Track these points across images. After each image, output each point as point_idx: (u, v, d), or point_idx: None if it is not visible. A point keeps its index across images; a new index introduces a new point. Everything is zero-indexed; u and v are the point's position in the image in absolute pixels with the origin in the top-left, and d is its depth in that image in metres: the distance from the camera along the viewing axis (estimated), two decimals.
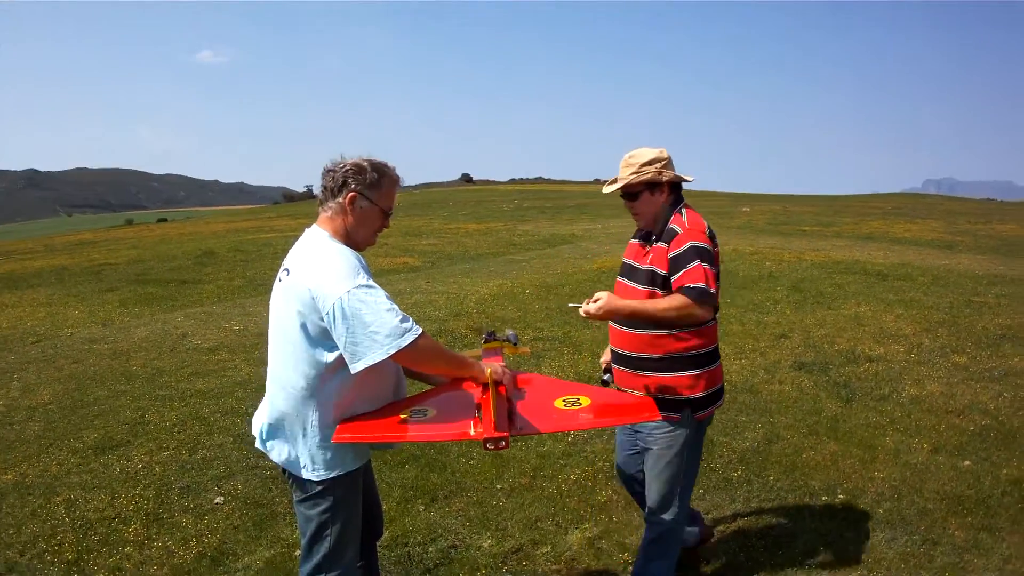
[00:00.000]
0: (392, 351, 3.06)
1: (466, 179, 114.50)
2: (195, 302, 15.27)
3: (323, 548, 3.41)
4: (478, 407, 3.18)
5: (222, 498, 6.02)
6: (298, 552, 4.82)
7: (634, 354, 4.07)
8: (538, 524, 5.53)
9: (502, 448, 2.96)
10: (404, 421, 3.26)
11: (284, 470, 3.45)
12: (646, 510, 4.33)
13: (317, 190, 3.49)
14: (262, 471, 6.40)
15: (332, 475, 3.35)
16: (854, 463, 6.51)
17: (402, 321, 3.09)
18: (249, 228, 34.09)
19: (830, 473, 6.32)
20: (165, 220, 71.18)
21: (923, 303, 13.01)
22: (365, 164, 3.38)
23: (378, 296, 3.11)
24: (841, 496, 5.90)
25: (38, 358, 10.83)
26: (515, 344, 4.24)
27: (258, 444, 3.52)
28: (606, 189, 4.25)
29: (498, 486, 6.12)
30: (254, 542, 5.26)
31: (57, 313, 14.55)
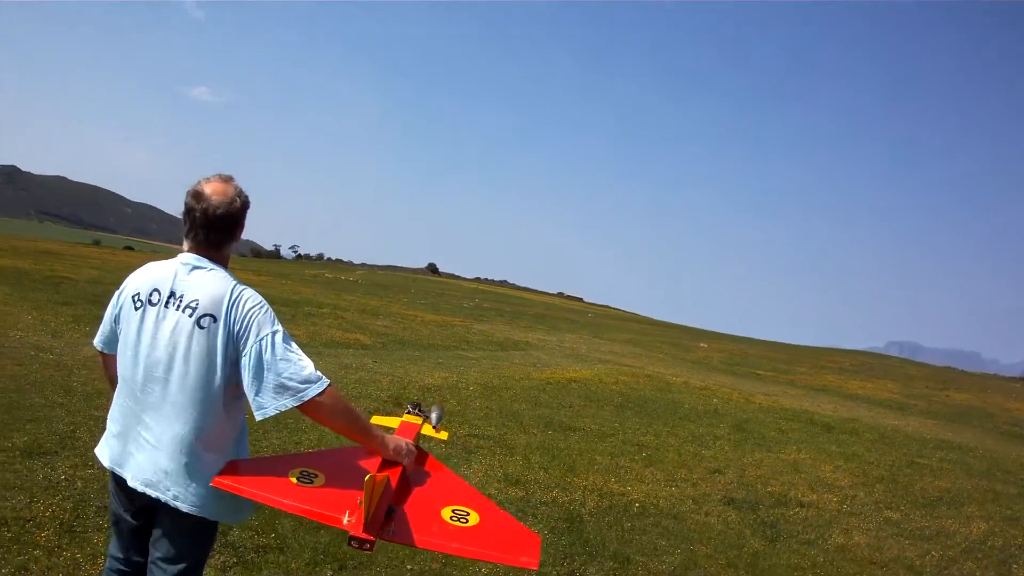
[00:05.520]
0: (304, 399, 3.17)
1: (432, 269, 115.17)
2: None
3: None
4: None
5: None
6: None
7: None
8: None
9: (366, 550, 2.99)
10: (292, 480, 3.28)
11: (157, 501, 3.36)
12: None
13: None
14: None
15: (234, 517, 3.46)
16: None
17: (313, 370, 3.23)
18: None
19: None
20: (131, 248, 70.32)
21: (865, 458, 13.24)
22: (241, 197, 3.44)
23: (293, 344, 3.27)
24: None
25: None
26: (435, 426, 4.29)
27: (129, 473, 3.39)
28: None
29: (408, 566, 6.16)
30: None
31: (9, 315, 14.64)
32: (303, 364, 3.21)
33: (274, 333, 3.22)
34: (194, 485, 3.31)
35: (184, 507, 3.30)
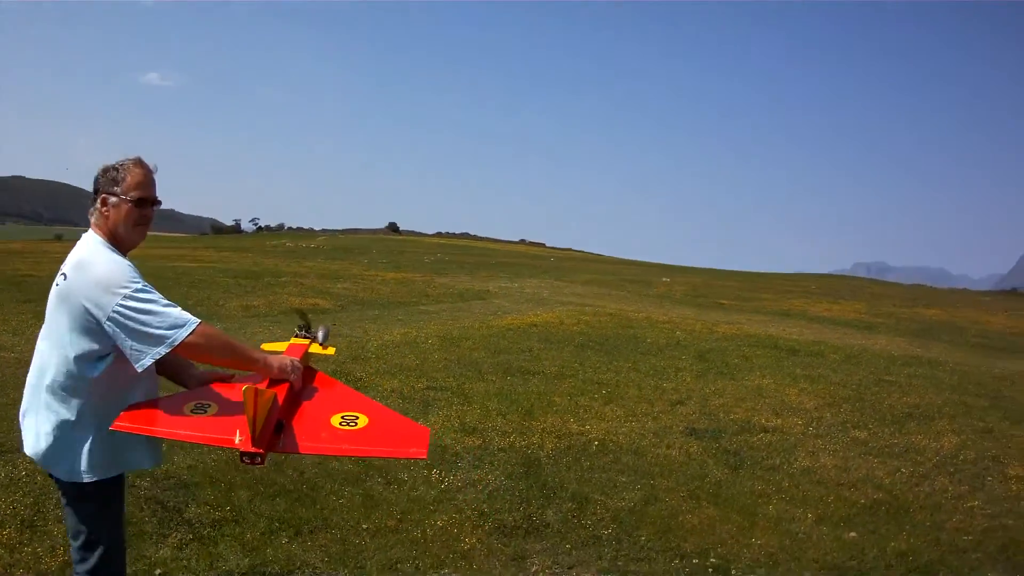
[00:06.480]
0: (175, 342, 3.34)
1: (392, 228, 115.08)
2: None
3: (98, 551, 3.57)
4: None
5: None
6: (159, 571, 5.32)
7: None
8: (397, 566, 5.71)
9: (258, 464, 3.21)
10: (187, 413, 3.45)
11: (53, 475, 3.60)
12: None
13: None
14: (137, 490, 6.41)
15: (108, 476, 3.54)
16: (732, 528, 6.62)
17: (179, 314, 3.40)
18: (172, 255, 34.01)
19: (705, 537, 6.42)
20: None
21: (830, 379, 13.26)
22: (110, 164, 3.65)
23: (152, 295, 3.42)
24: (713, 560, 6.00)
25: None
26: (321, 343, 4.45)
27: (28, 450, 3.61)
28: None
29: (364, 526, 6.28)
30: None
31: None
32: (168, 311, 3.37)
33: (134, 289, 3.37)
34: (55, 446, 3.51)
35: (53, 471, 3.56)
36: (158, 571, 5.26)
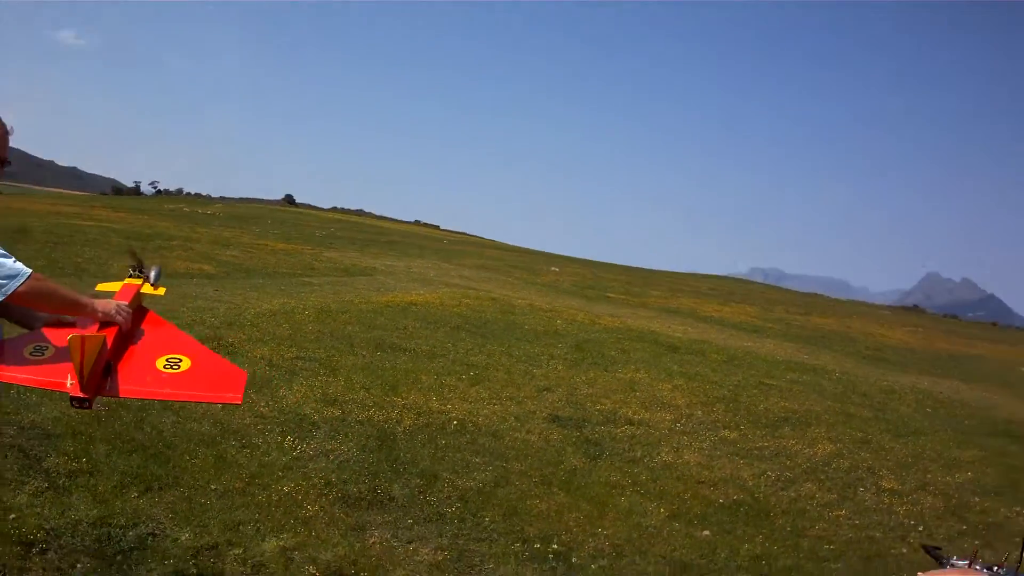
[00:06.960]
0: (7, 292, 3.47)
1: (289, 200, 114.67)
2: None
3: None
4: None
5: None
6: (12, 516, 5.39)
7: None
8: (239, 527, 5.80)
9: (86, 408, 3.40)
10: (27, 356, 3.61)
11: None
12: None
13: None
14: (3, 437, 6.45)
15: None
16: (579, 517, 6.63)
17: (13, 265, 3.52)
18: (70, 213, 33.60)
19: (551, 523, 6.43)
20: None
21: (708, 378, 13.39)
22: None
23: None
24: (555, 546, 6.00)
25: None
26: (153, 284, 4.53)
27: None
28: None
29: (213, 486, 6.37)
30: None
31: None
32: (3, 262, 3.51)
33: None
34: None
35: None
36: (12, 516, 5.33)
